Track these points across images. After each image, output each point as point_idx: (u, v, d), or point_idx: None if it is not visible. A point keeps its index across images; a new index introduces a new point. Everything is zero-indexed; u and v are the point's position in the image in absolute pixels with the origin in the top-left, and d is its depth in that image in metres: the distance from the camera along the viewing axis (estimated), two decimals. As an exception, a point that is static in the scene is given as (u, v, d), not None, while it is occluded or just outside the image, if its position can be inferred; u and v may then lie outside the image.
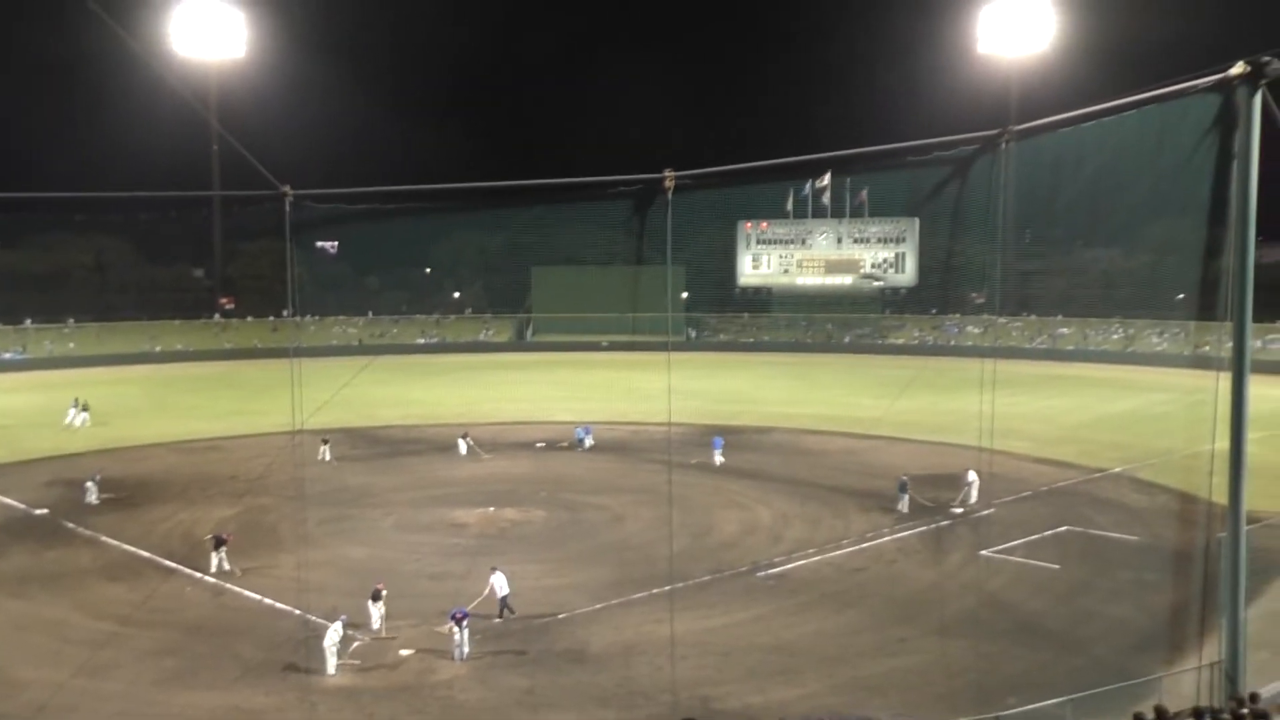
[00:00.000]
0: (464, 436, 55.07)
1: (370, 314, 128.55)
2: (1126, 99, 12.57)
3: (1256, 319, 14.02)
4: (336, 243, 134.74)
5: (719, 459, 50.91)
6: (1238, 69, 10.81)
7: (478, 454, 53.76)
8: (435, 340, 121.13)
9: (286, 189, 17.38)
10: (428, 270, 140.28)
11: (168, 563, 35.08)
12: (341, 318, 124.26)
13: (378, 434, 60.42)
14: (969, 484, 42.22)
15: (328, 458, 51.70)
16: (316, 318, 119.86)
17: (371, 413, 64.55)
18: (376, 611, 27.88)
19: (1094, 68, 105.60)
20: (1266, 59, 10.69)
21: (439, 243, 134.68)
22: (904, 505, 41.40)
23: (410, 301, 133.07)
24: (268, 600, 31.08)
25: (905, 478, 42.60)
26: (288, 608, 29.86)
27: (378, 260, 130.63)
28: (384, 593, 28.24)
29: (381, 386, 72.58)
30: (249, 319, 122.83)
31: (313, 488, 43.27)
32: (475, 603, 28.68)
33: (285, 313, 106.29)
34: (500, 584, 29.47)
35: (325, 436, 51.79)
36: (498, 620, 28.91)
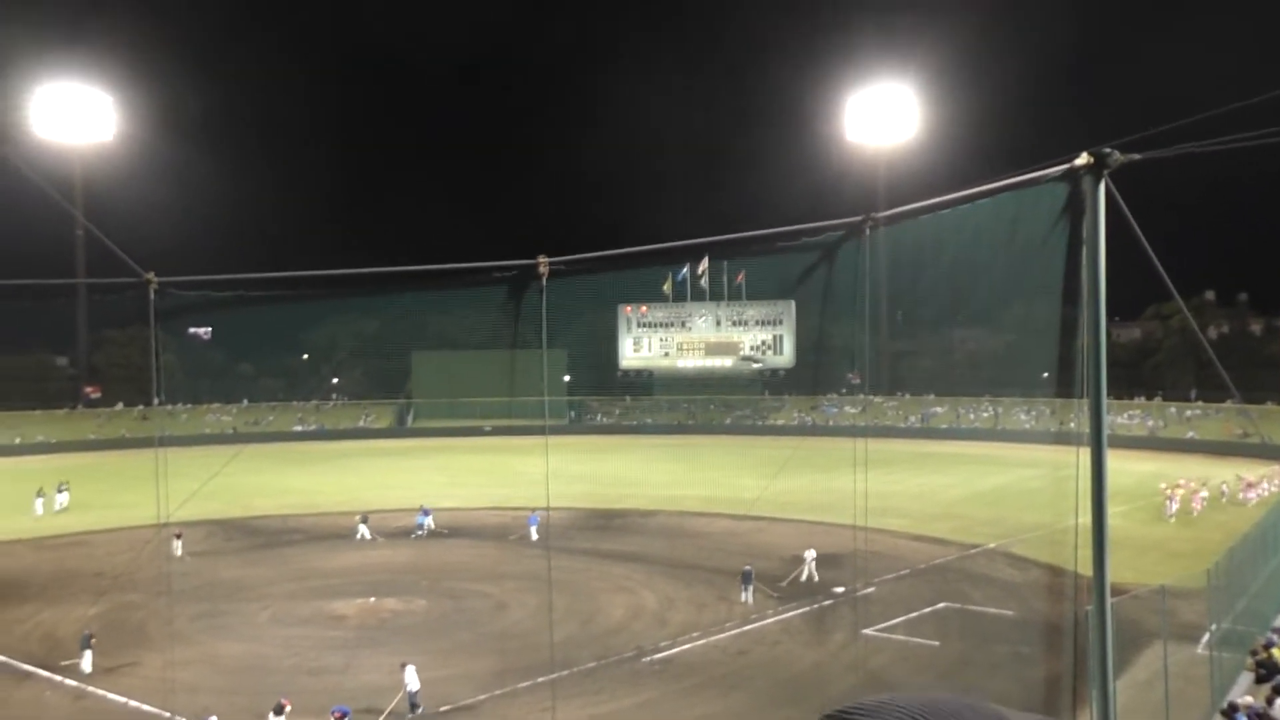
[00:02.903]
0: (363, 521, 54.26)
1: (245, 401, 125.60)
2: (981, 188, 13.14)
3: (1112, 395, 14.58)
4: (210, 329, 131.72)
5: (534, 534, 51.26)
6: (1082, 159, 11.39)
7: (375, 539, 53.13)
8: (313, 427, 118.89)
9: (150, 276, 16.98)
10: (305, 356, 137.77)
11: (25, 666, 33.37)
12: (215, 405, 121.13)
13: (253, 524, 58.70)
14: (807, 561, 42.84)
15: (180, 553, 48.79)
16: (189, 405, 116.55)
17: (247, 502, 62.72)
18: None
19: (956, 156, 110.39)
20: (1108, 150, 11.29)
21: (316, 328, 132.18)
22: (747, 597, 40.12)
23: (287, 388, 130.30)
24: (133, 702, 29.73)
25: (749, 568, 41.35)
26: (155, 710, 28.60)
27: (252, 346, 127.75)
28: (288, 707, 26.24)
29: (257, 475, 70.79)
30: (119, 407, 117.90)
31: (185, 582, 41.80)
32: (395, 701, 28.20)
33: (156, 401, 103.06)
34: (411, 679, 28.75)
35: (178, 531, 48.16)
36: (410, 717, 28.29)
